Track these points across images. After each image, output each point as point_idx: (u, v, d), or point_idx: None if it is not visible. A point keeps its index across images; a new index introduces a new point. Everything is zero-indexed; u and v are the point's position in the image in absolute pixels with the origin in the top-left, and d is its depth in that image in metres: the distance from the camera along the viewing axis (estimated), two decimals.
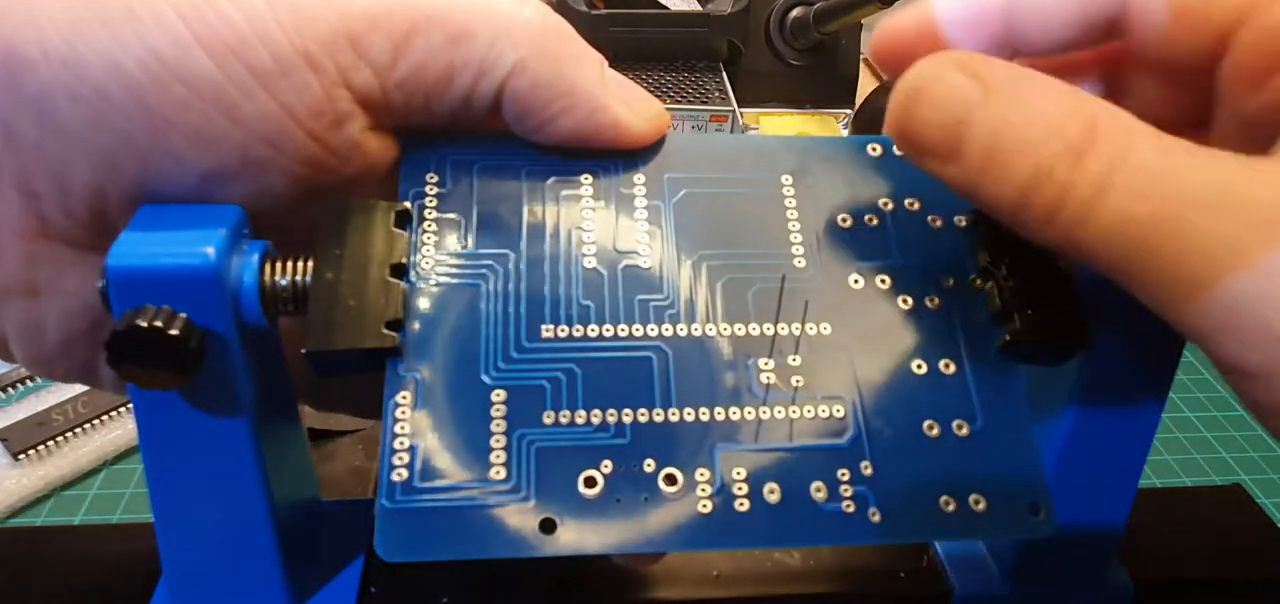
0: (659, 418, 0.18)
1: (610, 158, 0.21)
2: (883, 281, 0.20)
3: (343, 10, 0.18)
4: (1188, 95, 0.19)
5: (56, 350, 0.20)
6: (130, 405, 0.20)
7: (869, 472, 0.18)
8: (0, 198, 0.18)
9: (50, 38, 0.17)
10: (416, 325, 0.19)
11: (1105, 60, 0.21)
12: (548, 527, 0.17)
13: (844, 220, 0.21)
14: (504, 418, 0.18)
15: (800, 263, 0.20)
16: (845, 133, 0.65)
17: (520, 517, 0.17)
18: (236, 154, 0.18)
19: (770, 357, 0.19)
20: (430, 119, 0.20)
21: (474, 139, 0.21)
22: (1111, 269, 0.16)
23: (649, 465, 0.18)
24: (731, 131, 0.60)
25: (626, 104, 0.20)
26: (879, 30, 0.20)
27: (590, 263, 0.20)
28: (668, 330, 0.19)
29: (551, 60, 0.19)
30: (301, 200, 0.19)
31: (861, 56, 0.69)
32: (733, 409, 0.18)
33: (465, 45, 0.19)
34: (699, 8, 0.65)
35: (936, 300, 0.20)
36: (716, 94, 0.62)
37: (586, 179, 0.21)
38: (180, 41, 0.17)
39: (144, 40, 0.17)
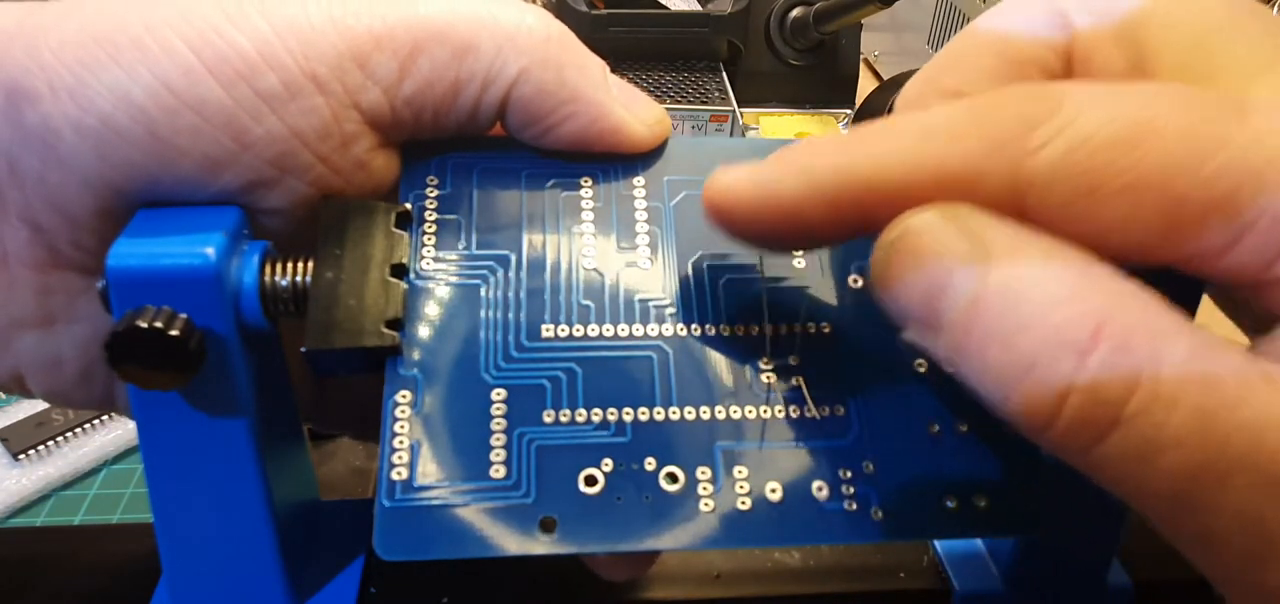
0: (660, 417, 0.18)
1: (610, 161, 0.21)
2: None
3: (348, 32, 0.18)
4: None
5: (75, 380, 0.20)
6: None
7: (871, 470, 0.18)
8: (9, 231, 0.18)
9: (56, 70, 0.17)
10: (416, 325, 0.19)
11: None
12: (548, 526, 0.17)
13: None
14: (504, 417, 0.18)
15: (800, 263, 0.20)
16: (845, 133, 0.65)
17: (520, 516, 0.17)
18: (244, 177, 0.18)
19: (770, 356, 0.19)
20: (437, 132, 0.20)
21: (475, 142, 0.21)
22: (1128, 501, 0.13)
23: (650, 464, 0.18)
24: (731, 132, 0.60)
25: (629, 109, 0.21)
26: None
27: (590, 263, 0.20)
28: (668, 330, 0.19)
29: (555, 68, 0.19)
30: (304, 219, 0.19)
31: (861, 56, 0.69)
32: (733, 408, 0.18)
33: (470, 58, 0.19)
34: (699, 8, 0.65)
35: None
36: (716, 94, 0.62)
37: (587, 181, 0.21)
38: (190, 70, 0.17)
39: (154, 70, 0.17)
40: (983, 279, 0.13)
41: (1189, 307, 0.20)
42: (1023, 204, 0.14)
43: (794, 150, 0.16)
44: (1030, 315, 0.13)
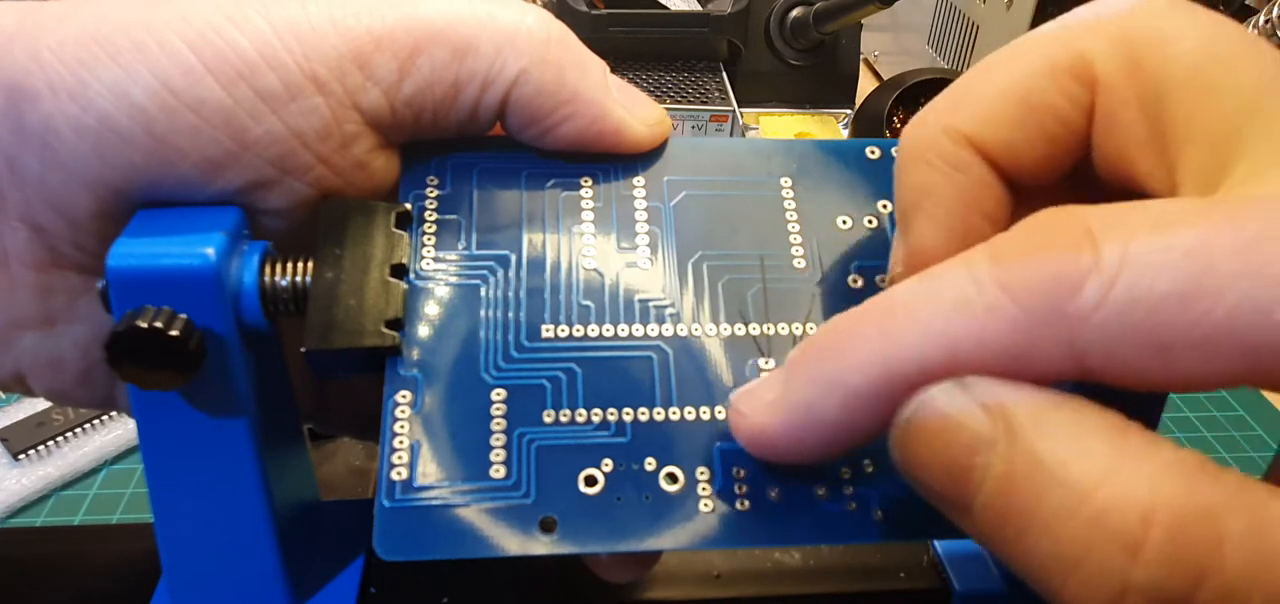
0: (659, 417, 0.18)
1: (610, 161, 0.21)
2: (882, 281, 0.20)
3: (348, 32, 0.18)
4: None
5: (76, 380, 0.20)
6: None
7: (871, 470, 0.18)
8: (9, 232, 0.18)
9: (56, 70, 0.17)
10: (416, 325, 0.19)
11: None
12: (548, 526, 0.17)
13: (843, 222, 0.21)
14: (504, 417, 0.18)
15: (800, 264, 0.20)
16: (845, 133, 0.65)
17: (520, 516, 0.17)
18: (244, 177, 0.18)
19: (770, 356, 0.19)
20: (437, 133, 0.20)
21: (475, 142, 0.21)
22: None
23: (650, 464, 0.18)
24: (731, 131, 0.60)
25: (629, 110, 0.21)
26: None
27: (590, 264, 0.20)
28: (668, 330, 0.19)
29: (554, 68, 0.19)
30: (305, 219, 0.19)
31: (861, 56, 0.69)
32: None
33: (470, 58, 0.19)
34: (699, 8, 0.65)
35: None
36: (716, 94, 0.62)
37: (587, 182, 0.21)
38: (190, 70, 0.17)
39: (154, 70, 0.17)
40: (1009, 457, 0.12)
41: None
42: (1086, 367, 0.13)
43: (814, 356, 0.15)
44: (1067, 499, 0.12)
